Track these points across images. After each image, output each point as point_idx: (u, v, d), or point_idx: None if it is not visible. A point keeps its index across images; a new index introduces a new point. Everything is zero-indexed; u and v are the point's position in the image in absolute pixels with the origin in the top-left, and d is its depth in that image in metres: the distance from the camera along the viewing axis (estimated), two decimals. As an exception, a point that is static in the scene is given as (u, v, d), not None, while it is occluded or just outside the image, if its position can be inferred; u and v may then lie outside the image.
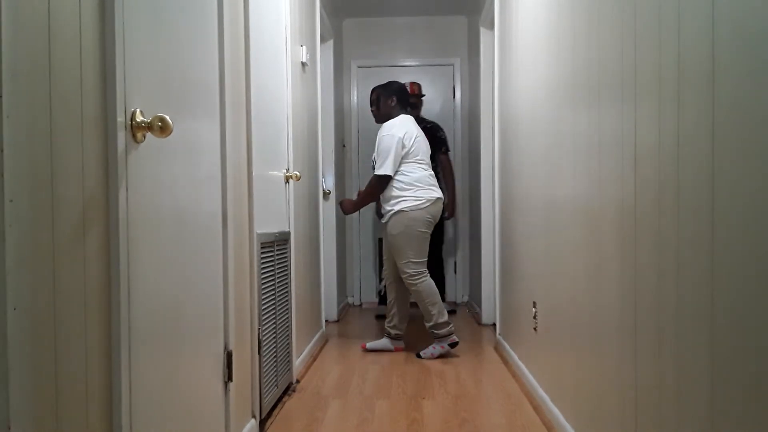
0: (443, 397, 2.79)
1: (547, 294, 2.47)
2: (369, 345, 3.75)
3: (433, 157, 4.47)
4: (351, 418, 2.50)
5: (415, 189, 3.58)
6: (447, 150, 4.87)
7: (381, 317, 4.89)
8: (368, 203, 3.79)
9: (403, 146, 3.58)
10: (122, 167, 1.20)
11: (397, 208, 3.57)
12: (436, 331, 3.57)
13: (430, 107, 5.56)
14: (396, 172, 3.60)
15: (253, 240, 2.29)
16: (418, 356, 3.57)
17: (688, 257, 1.20)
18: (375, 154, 3.69)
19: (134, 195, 1.25)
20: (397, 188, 3.60)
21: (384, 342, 3.75)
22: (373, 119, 3.86)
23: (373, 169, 3.69)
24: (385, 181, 3.60)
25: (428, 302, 3.56)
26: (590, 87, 1.83)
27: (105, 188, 1.17)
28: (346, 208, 3.81)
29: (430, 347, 3.59)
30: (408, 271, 3.55)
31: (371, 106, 3.83)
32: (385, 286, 3.96)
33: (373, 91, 3.84)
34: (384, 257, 3.79)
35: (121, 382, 1.19)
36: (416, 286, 3.56)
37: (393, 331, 3.75)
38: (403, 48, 5.62)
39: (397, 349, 3.75)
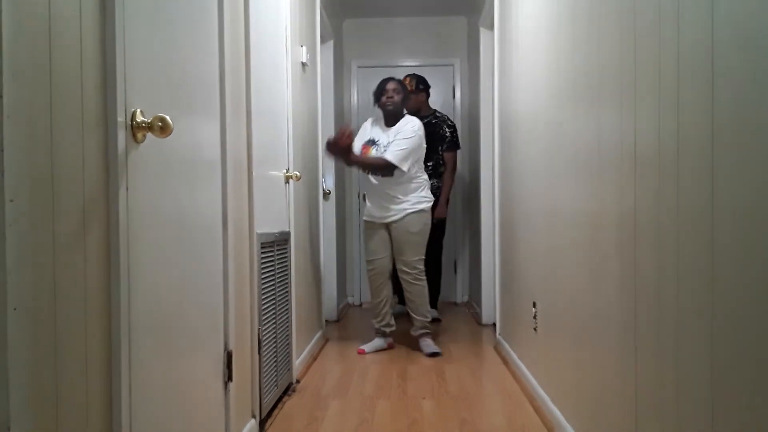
0: (443, 397, 2.79)
1: (547, 294, 2.47)
2: (367, 348, 3.74)
3: (431, 155, 4.48)
4: (351, 418, 2.50)
5: (428, 191, 3.74)
6: (447, 148, 4.72)
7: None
8: (362, 169, 3.75)
9: (421, 148, 3.69)
10: (122, 167, 1.20)
11: (422, 206, 3.65)
12: (429, 329, 3.76)
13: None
14: (417, 169, 3.67)
15: (253, 240, 2.29)
16: (434, 354, 3.62)
17: (688, 257, 1.20)
18: (393, 139, 3.61)
19: (134, 195, 1.25)
20: (419, 187, 3.68)
21: (380, 342, 3.78)
22: (386, 105, 3.67)
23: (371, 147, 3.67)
24: (391, 170, 3.59)
25: (426, 299, 3.73)
26: (590, 87, 1.83)
27: (105, 188, 1.17)
28: (346, 151, 3.51)
29: (429, 342, 3.70)
30: (419, 267, 3.68)
31: (395, 93, 3.66)
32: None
33: (400, 82, 3.74)
34: (381, 255, 3.74)
35: (121, 382, 1.19)
36: (422, 282, 3.69)
37: (388, 329, 3.78)
38: (403, 48, 5.62)
39: (389, 346, 3.81)
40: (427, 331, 3.74)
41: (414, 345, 3.81)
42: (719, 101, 1.08)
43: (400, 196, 3.63)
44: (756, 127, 0.97)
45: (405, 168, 3.54)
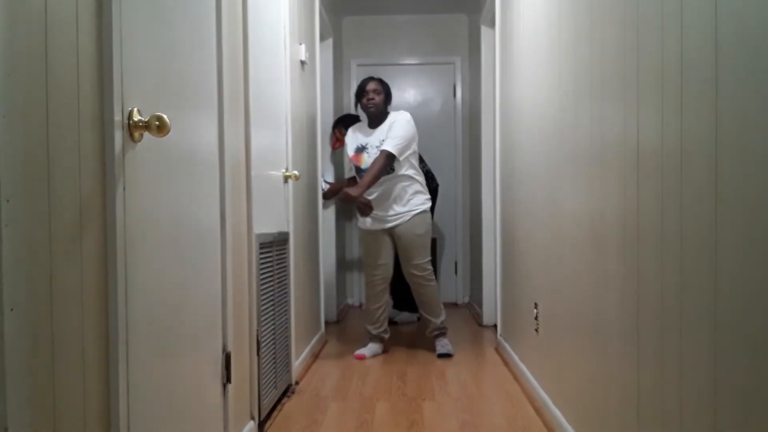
0: (444, 398, 2.77)
1: (549, 295, 2.46)
2: (368, 353, 3.64)
3: None
4: (351, 420, 2.48)
5: (427, 192, 3.69)
6: None
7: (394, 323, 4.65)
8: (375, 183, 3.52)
9: (415, 141, 3.61)
10: (119, 166, 1.19)
11: (424, 207, 3.61)
12: (444, 329, 3.70)
13: (431, 107, 5.55)
14: (415, 170, 3.60)
15: (252, 240, 2.28)
16: (445, 356, 3.58)
17: (691, 258, 1.18)
18: (385, 136, 3.51)
19: (131, 194, 1.24)
20: (419, 188, 3.62)
21: (377, 347, 3.70)
22: (368, 107, 3.61)
23: (360, 152, 3.58)
24: (391, 160, 3.46)
25: (438, 300, 3.71)
26: (592, 86, 1.81)
27: (102, 188, 1.16)
28: (352, 195, 3.42)
29: (444, 342, 3.66)
30: (429, 268, 3.65)
31: (376, 94, 3.60)
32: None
33: (381, 81, 3.68)
34: (385, 261, 3.66)
35: (118, 383, 1.18)
36: (433, 283, 3.67)
37: (386, 336, 3.73)
38: (404, 46, 5.60)
39: (384, 351, 3.73)
40: (442, 330, 3.69)
41: (413, 345, 3.81)
42: (723, 97, 1.06)
43: (402, 200, 3.57)
44: (759, 123, 0.95)
45: (399, 156, 3.45)
